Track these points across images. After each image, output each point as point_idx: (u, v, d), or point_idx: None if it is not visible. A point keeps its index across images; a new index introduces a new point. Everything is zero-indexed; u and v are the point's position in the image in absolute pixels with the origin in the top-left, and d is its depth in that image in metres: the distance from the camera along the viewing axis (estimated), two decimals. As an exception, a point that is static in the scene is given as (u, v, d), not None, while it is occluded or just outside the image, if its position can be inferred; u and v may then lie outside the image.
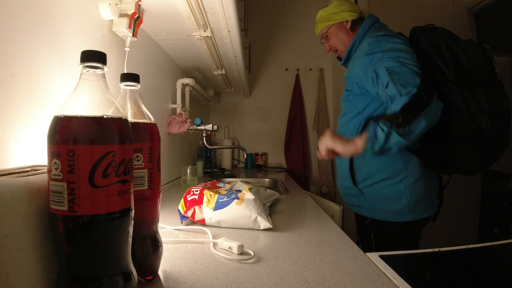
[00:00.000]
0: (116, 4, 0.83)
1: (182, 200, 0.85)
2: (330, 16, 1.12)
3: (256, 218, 0.77)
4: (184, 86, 1.61)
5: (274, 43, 2.72)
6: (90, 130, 0.35)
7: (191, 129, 1.65)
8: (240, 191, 0.87)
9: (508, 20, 2.40)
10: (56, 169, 0.34)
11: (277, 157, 2.71)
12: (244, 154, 1.91)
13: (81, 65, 0.38)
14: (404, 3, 2.21)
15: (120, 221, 0.37)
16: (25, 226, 0.35)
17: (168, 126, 1.46)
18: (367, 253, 0.62)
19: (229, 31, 1.15)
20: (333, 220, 0.98)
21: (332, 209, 1.35)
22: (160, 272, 0.52)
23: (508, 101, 0.90)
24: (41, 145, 0.58)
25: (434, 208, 1.02)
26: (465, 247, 0.71)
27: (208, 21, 1.07)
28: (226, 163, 2.45)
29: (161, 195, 0.52)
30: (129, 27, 0.87)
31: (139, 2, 0.87)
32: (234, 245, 0.61)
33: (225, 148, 2.45)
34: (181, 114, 1.49)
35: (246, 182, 1.03)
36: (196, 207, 0.80)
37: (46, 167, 0.38)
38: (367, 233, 1.16)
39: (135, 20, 0.88)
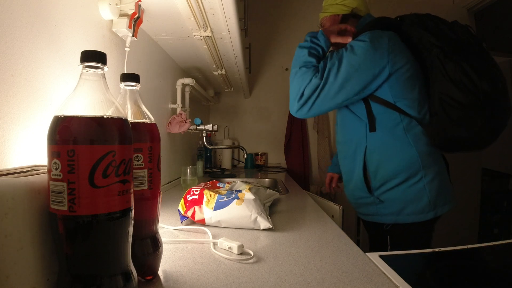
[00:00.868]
0: (116, 4, 0.83)
1: (182, 200, 0.85)
2: (327, 7, 1.15)
3: (256, 218, 0.77)
4: (184, 86, 1.61)
5: (274, 43, 2.72)
6: (90, 130, 0.35)
7: (191, 129, 1.65)
8: (240, 191, 0.87)
9: (508, 20, 2.41)
10: (56, 169, 0.34)
11: (277, 157, 2.71)
12: (244, 154, 1.91)
13: (81, 65, 0.38)
14: (403, 3, 2.21)
15: (120, 221, 0.37)
16: (25, 226, 0.35)
17: (168, 126, 1.46)
18: (367, 253, 0.62)
19: (229, 31, 1.15)
20: (333, 220, 0.98)
21: (332, 209, 1.35)
22: (160, 272, 0.52)
23: (500, 69, 0.93)
24: (41, 145, 0.58)
25: (453, 201, 1.02)
26: (465, 247, 0.71)
27: (208, 21, 1.07)
28: (226, 163, 2.45)
29: (161, 195, 0.52)
30: (129, 27, 0.87)
31: (139, 2, 0.87)
32: (234, 245, 0.61)
33: (225, 148, 2.44)
34: (181, 114, 1.49)
35: (246, 182, 1.03)
36: (196, 207, 0.80)
37: (46, 167, 0.38)
38: (383, 237, 1.11)
39: (135, 20, 0.88)
